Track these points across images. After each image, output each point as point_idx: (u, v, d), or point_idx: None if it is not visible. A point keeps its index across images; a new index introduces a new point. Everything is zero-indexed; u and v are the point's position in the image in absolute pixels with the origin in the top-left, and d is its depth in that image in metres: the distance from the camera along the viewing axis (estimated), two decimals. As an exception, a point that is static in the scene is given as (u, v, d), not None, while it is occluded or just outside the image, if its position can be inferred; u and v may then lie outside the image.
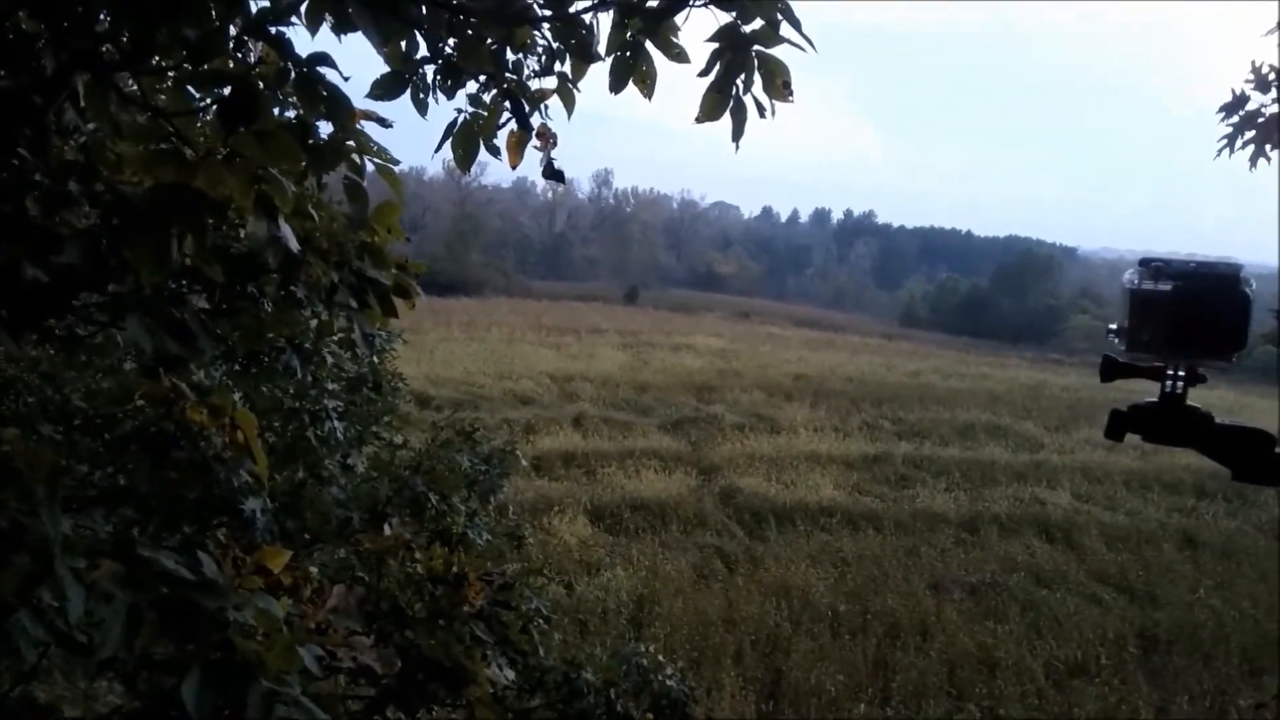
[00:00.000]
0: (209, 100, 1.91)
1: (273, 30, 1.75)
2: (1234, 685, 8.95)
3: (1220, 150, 5.26)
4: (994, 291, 62.66)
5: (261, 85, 1.78)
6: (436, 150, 2.01)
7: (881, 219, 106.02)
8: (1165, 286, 1.30)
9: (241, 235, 2.11)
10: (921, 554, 12.22)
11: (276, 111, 1.91)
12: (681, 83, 2.16)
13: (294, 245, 1.87)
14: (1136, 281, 1.32)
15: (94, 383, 3.28)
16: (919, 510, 13.94)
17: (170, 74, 1.87)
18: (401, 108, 2.12)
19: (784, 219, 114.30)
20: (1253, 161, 5.20)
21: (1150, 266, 1.31)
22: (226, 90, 1.74)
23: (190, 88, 1.93)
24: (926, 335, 53.31)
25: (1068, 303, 58.19)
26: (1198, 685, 8.95)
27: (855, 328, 53.99)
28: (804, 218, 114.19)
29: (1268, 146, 5.11)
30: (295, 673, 1.74)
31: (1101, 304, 53.71)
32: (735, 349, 33.92)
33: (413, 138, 2.50)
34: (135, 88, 1.93)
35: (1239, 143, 5.17)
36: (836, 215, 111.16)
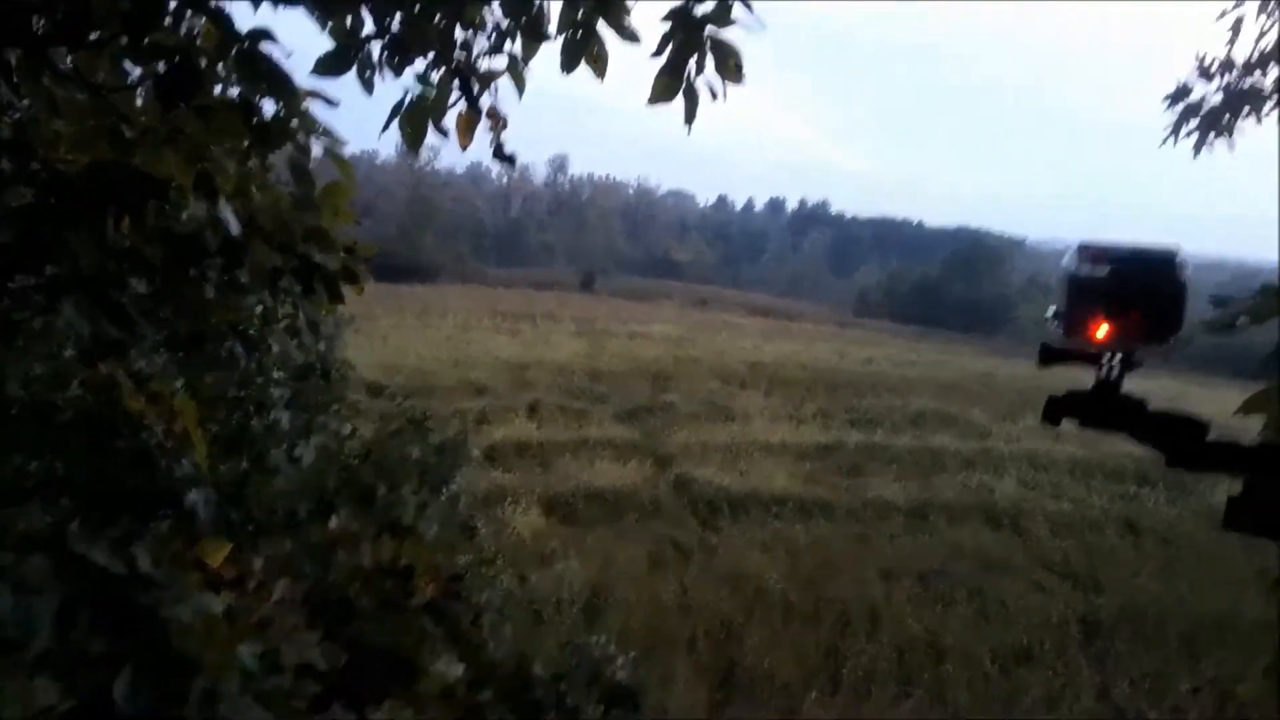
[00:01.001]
0: (147, 76, 1.85)
1: (212, 4, 1.69)
2: (1174, 669, 9.16)
3: (1165, 139, 5.39)
4: (944, 281, 63.58)
5: (202, 61, 1.72)
6: (384, 129, 1.96)
7: (835, 208, 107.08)
8: (1102, 270, 1.31)
9: (183, 217, 2.04)
10: (872, 542, 12.32)
11: (218, 89, 1.85)
12: (636, 65, 2.13)
13: (235, 227, 1.81)
14: (1074, 266, 1.34)
15: (31, 370, 3.17)
16: (870, 499, 14.06)
17: (107, 48, 1.80)
18: (350, 90, 2.07)
19: (739, 207, 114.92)
20: (1196, 149, 5.34)
21: (1088, 250, 1.32)
22: (164, 65, 1.67)
23: (128, 62, 1.86)
24: (879, 324, 53.96)
25: (1017, 292, 59.27)
26: (1138, 669, 9.14)
27: (810, 316, 54.43)
28: (759, 206, 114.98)
29: (1211, 135, 5.25)
30: (236, 670, 1.69)
31: (1049, 294, 54.74)
32: (691, 337, 34.00)
33: (363, 121, 2.44)
34: (70, 63, 1.86)
35: (1184, 131, 5.30)
36: (791, 204, 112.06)
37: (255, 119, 1.79)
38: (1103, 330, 1.33)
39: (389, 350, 22.86)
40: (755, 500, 13.78)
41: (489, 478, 13.47)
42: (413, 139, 2.14)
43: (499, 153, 2.20)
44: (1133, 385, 1.37)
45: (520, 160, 2.34)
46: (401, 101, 2.15)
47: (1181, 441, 1.34)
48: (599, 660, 3.75)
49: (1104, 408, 1.37)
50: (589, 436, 16.57)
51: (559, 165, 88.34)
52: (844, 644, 9.37)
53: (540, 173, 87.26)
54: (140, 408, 2.16)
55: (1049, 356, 1.41)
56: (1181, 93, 5.35)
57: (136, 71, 1.86)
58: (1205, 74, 5.28)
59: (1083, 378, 1.40)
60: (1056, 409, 1.39)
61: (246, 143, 1.85)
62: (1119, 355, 1.36)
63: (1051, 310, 1.41)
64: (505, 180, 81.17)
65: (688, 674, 8.30)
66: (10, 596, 1.37)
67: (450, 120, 2.16)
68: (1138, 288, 1.30)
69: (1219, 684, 8.91)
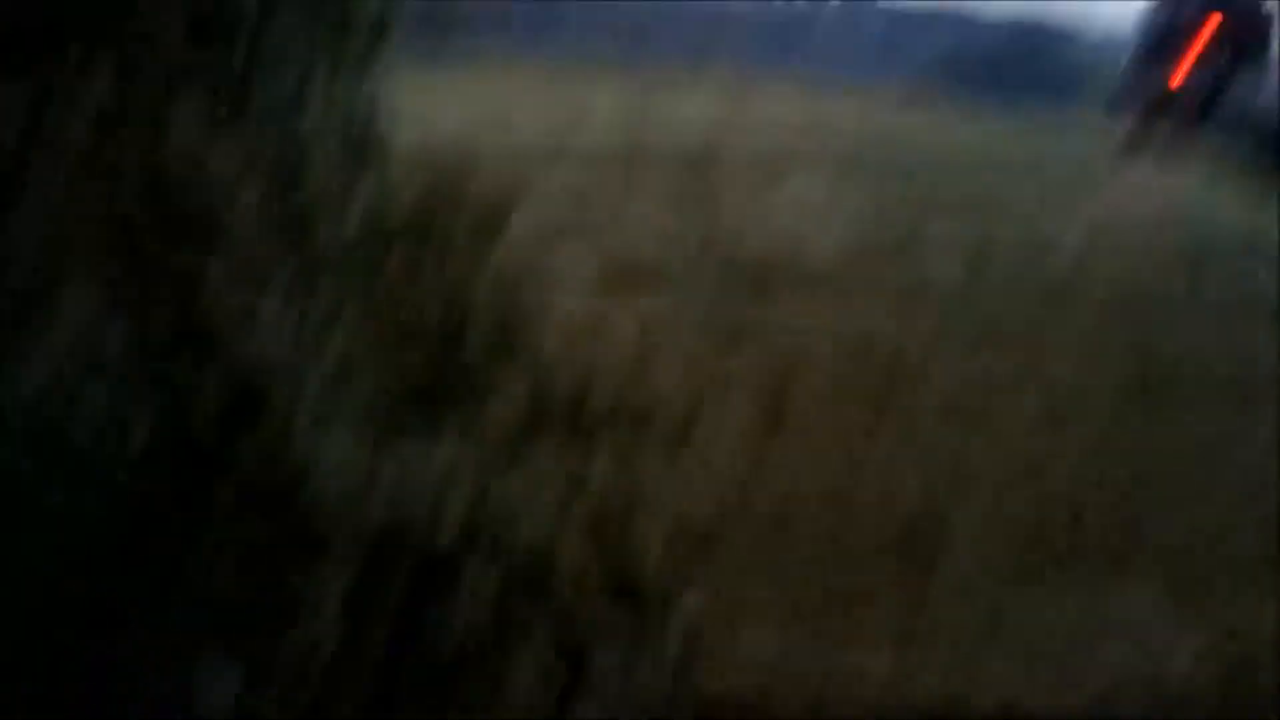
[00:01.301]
0: None
1: None
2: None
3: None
4: (998, 70, 59.74)
5: None
6: None
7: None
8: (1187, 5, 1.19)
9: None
10: (918, 318, 12.16)
11: None
12: None
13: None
14: (1150, 14, 1.21)
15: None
16: (918, 276, 13.79)
17: None
18: None
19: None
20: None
21: None
22: None
23: None
24: (933, 102, 51.27)
25: (1075, 85, 55.65)
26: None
27: (857, 95, 51.61)
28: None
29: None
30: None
31: (1110, 84, 51.44)
32: (732, 119, 32.56)
33: None
34: None
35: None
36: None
37: None
38: (1188, 60, 1.22)
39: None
40: (801, 275, 13.54)
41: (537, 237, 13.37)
42: None
43: None
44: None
45: None
46: None
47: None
48: (650, 402, 3.86)
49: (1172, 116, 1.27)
50: (632, 213, 16.13)
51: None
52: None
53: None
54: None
55: (1122, 101, 1.29)
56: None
57: None
58: None
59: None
60: (1137, 138, 1.29)
61: None
62: (1194, 94, 1.24)
63: (1126, 58, 1.29)
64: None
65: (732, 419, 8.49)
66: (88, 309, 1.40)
67: None
68: (1225, 9, 1.18)
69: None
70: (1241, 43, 1.33)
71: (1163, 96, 1.42)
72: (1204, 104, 1.35)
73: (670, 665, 2.29)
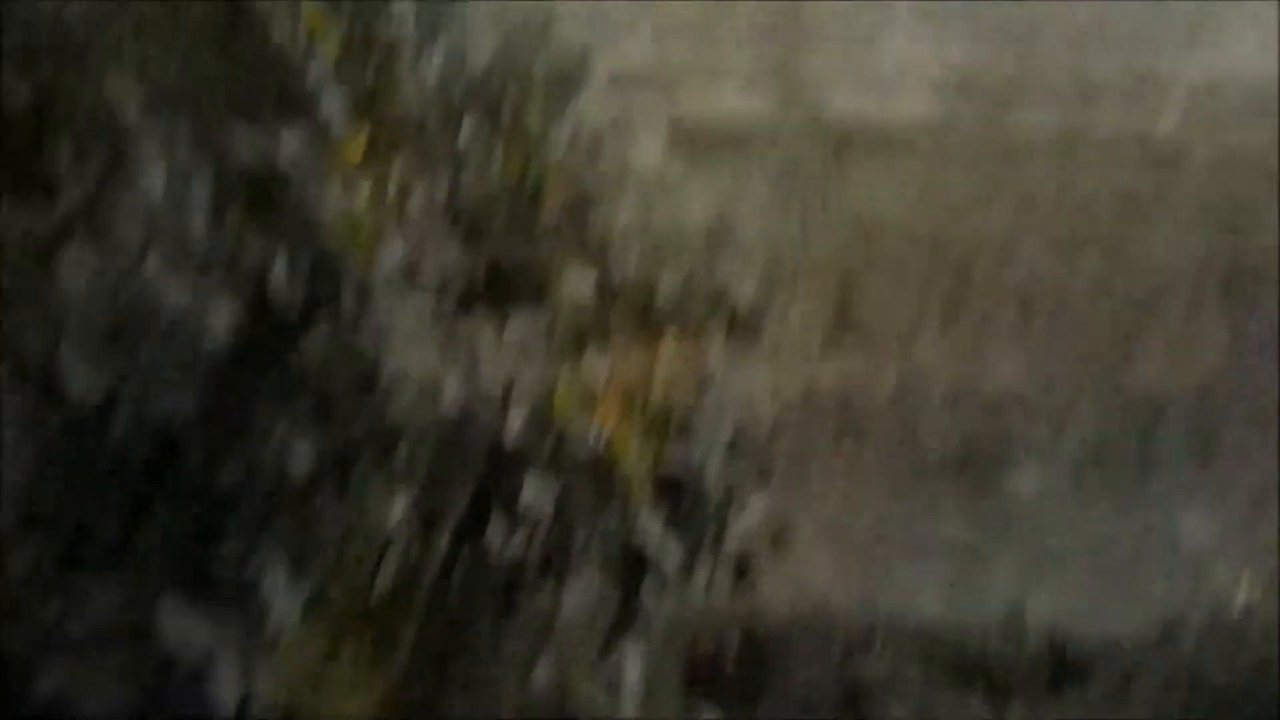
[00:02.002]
0: None
1: None
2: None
3: None
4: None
5: None
6: None
7: None
8: None
9: None
10: (1010, 182, 11.70)
11: None
12: None
13: None
14: None
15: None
16: (1016, 132, 13.15)
17: None
18: None
19: None
20: None
21: None
22: None
23: None
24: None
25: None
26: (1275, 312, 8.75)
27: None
28: None
29: None
30: (382, 268, 1.74)
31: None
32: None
33: None
34: None
35: None
36: None
37: None
38: None
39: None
40: (890, 131, 13.00)
41: (611, 103, 13.07)
42: None
43: None
44: None
45: None
46: None
47: None
48: (721, 289, 3.81)
49: None
50: (715, 63, 15.61)
51: None
52: (963, 289, 9.22)
53: None
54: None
55: None
56: None
57: None
58: None
59: None
60: None
61: None
62: None
63: None
64: None
65: (805, 310, 8.43)
66: (162, 180, 1.39)
67: None
68: None
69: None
70: None
71: None
72: None
73: (730, 571, 2.34)
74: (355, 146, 2.05)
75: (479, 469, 2.32)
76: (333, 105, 2.72)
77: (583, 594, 2.09)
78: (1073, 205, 10.66)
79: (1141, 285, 10.00)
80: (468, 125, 3.42)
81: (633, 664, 2.21)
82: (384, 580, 1.92)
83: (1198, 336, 8.94)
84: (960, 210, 10.71)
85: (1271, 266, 9.91)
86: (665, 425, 2.69)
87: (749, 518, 2.46)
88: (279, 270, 1.68)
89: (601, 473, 2.44)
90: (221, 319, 2.31)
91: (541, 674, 2.16)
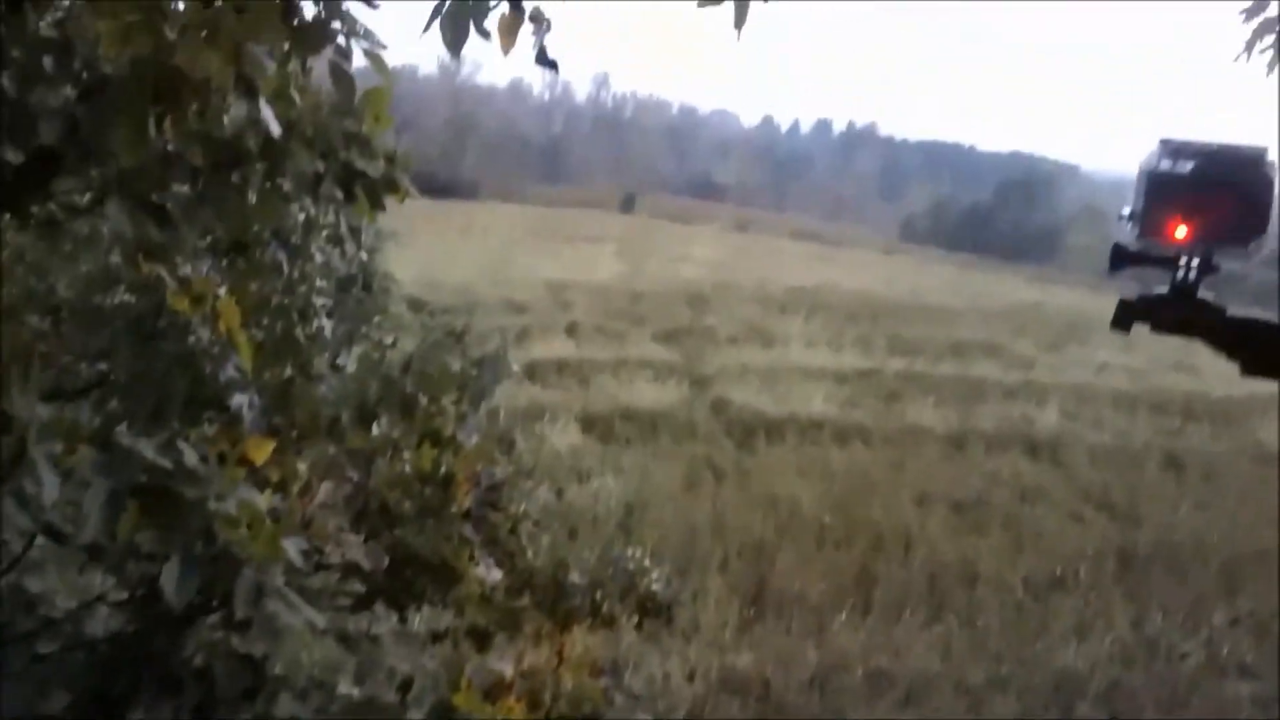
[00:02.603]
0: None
1: (251, -105, 1.64)
2: (1210, 602, 9.14)
3: (1238, 56, 5.10)
4: (995, 207, 61.91)
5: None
6: (425, 29, 1.91)
7: (884, 131, 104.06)
8: (1185, 166, 1.23)
9: (225, 121, 2.02)
10: (908, 468, 12.35)
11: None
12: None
13: (275, 128, 1.80)
14: (1155, 161, 1.26)
15: (80, 272, 3.22)
16: (908, 425, 14.04)
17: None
18: (391, 9, 2.03)
19: (785, 129, 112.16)
20: (1270, 67, 5.05)
21: (1170, 146, 1.24)
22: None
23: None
24: (926, 250, 52.88)
25: (1069, 221, 57.50)
26: (1175, 601, 9.11)
27: (855, 241, 53.49)
28: (805, 128, 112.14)
29: (1288, 50, 4.96)
30: (280, 565, 1.73)
31: (1103, 222, 53.28)
32: (732, 260, 33.67)
33: (404, 36, 2.38)
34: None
35: (1259, 48, 5.01)
36: (838, 126, 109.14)
37: (295, 19, 1.76)
38: (1182, 230, 1.26)
39: (430, 266, 22.94)
40: (792, 423, 13.79)
41: (528, 394, 13.60)
42: (454, 42, 2.08)
43: (541, 57, 2.14)
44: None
45: (562, 77, 2.28)
46: (443, 2, 2.09)
47: (1262, 348, 1.28)
48: (634, 572, 3.83)
49: (1180, 311, 1.29)
50: (628, 357, 16.60)
51: (601, 82, 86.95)
52: (876, 567, 9.45)
53: (582, 90, 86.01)
54: (185, 307, 2.18)
55: (1121, 258, 1.33)
56: (1258, 7, 5.04)
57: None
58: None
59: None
60: (1129, 313, 1.32)
61: (287, 45, 1.82)
62: (1197, 258, 1.28)
63: (1126, 210, 1.33)
64: (547, 96, 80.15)
65: (720, 591, 8.44)
66: (57, 487, 1.41)
67: (492, 22, 2.09)
68: (1223, 184, 1.22)
69: (1256, 616, 8.88)
70: (1240, 214, 1.34)
71: (1160, 259, 1.42)
72: (1200, 270, 1.36)
73: None
74: (264, 445, 2.10)
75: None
76: (244, 404, 2.79)
77: None
78: (968, 490, 11.16)
79: (1043, 567, 10.27)
80: (382, 420, 3.50)
81: None
82: None
83: (1104, 615, 9.05)
84: (864, 494, 11.12)
85: (1161, 555, 10.29)
86: (576, 716, 2.59)
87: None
88: (171, 569, 1.65)
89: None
90: (103, 617, 2.22)
91: None
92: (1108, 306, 1.35)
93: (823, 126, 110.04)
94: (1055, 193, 63.52)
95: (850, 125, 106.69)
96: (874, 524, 10.19)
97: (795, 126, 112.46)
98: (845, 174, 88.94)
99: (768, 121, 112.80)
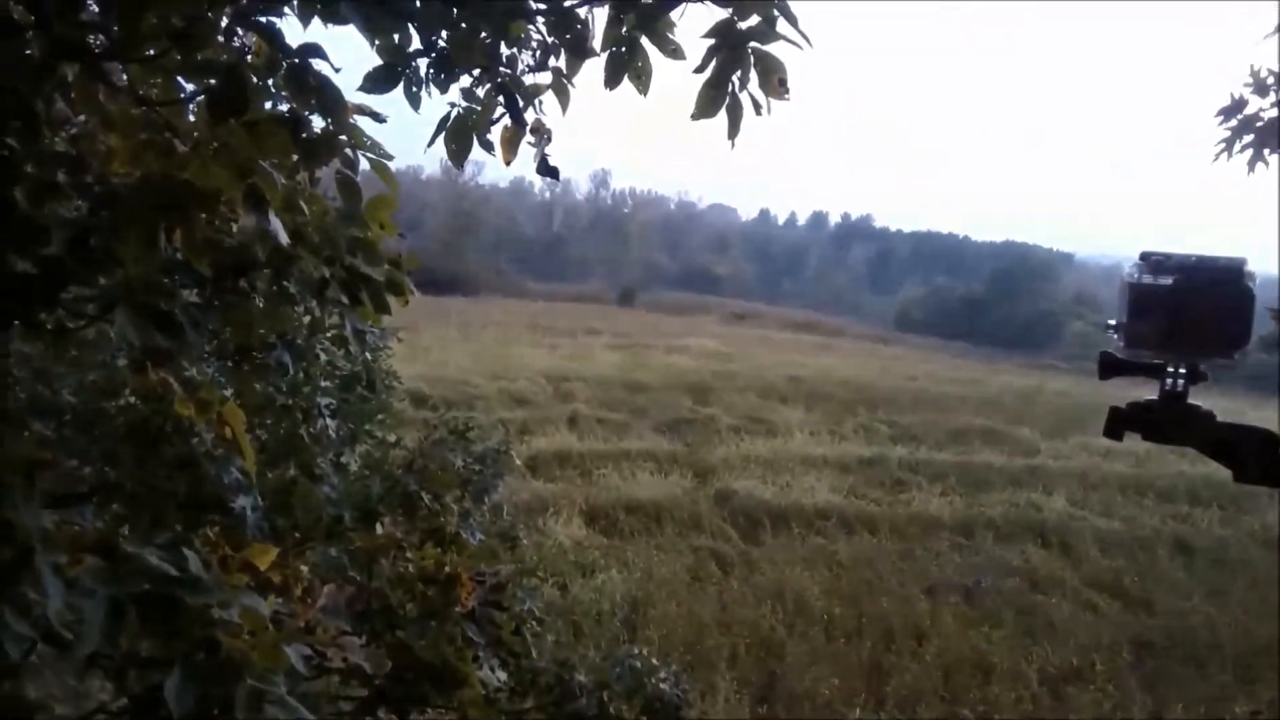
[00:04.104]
0: (199, 90, 1.89)
1: (263, 20, 1.73)
2: (1229, 692, 8.92)
3: (1218, 155, 5.27)
4: (989, 296, 62.75)
5: (253, 77, 1.77)
6: (429, 145, 1.99)
7: (879, 223, 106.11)
8: (1165, 280, 1.27)
9: (233, 229, 2.08)
10: (916, 558, 12.19)
11: (269, 104, 1.90)
12: (679, 80, 2.14)
13: (284, 239, 1.85)
14: (1136, 275, 1.29)
15: (85, 378, 3.26)
16: (914, 514, 13.90)
17: (160, 64, 1.85)
18: (396, 105, 2.10)
19: (781, 222, 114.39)
20: (1250, 166, 5.21)
21: (1150, 260, 1.28)
22: (215, 81, 1.71)
23: (180, 79, 1.91)
24: (922, 340, 53.34)
25: (1063, 308, 58.20)
26: (1192, 692, 8.91)
27: (851, 331, 54.03)
28: (801, 221, 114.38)
29: (1266, 150, 5.12)
30: (282, 672, 1.71)
31: (1097, 309, 53.81)
32: (730, 351, 33.90)
33: (408, 136, 2.48)
34: (125, 78, 1.91)
35: (1237, 147, 5.18)
36: (834, 218, 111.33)
37: (304, 133, 1.83)
38: (1165, 343, 1.29)
39: (432, 362, 23.10)
40: (796, 514, 13.66)
41: (531, 488, 13.55)
42: (457, 155, 2.17)
43: (543, 167, 2.22)
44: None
45: (562, 175, 2.35)
46: (447, 117, 2.17)
47: (1253, 456, 1.29)
48: (641, 671, 3.75)
49: (1171, 421, 1.31)
50: (629, 448, 16.55)
51: (600, 180, 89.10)
52: (888, 661, 9.24)
53: (582, 187, 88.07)
54: (189, 413, 2.20)
55: (1110, 368, 1.35)
56: (1236, 107, 5.23)
57: (189, 87, 1.91)
58: (1260, 88, 5.16)
59: (1131, 395, 1.36)
60: (1119, 422, 1.34)
61: (295, 157, 1.89)
62: (1183, 367, 1.31)
63: (1111, 321, 1.37)
64: (547, 195, 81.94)
65: (729, 688, 8.25)
66: (62, 597, 1.40)
67: (495, 135, 2.18)
68: (1204, 298, 1.26)
69: (1276, 706, 8.61)
70: (1220, 326, 1.37)
71: (1148, 366, 1.43)
72: (1188, 379, 1.37)
73: None
74: (267, 552, 2.09)
75: None
76: (247, 506, 2.78)
77: None
78: (978, 579, 10.96)
79: (1058, 657, 10.05)
80: (384, 522, 3.49)
81: None
82: None
83: (1122, 708, 8.81)
84: (873, 584, 10.94)
85: (1177, 643, 10.13)
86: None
87: None
88: (174, 679, 1.63)
89: None
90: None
91: None
92: (1105, 392, 1.37)
93: (819, 219, 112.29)
94: (1049, 280, 64.53)
95: (845, 217, 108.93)
96: (884, 615, 9.99)
97: (792, 218, 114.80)
98: (841, 265, 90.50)
99: (765, 215, 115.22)
